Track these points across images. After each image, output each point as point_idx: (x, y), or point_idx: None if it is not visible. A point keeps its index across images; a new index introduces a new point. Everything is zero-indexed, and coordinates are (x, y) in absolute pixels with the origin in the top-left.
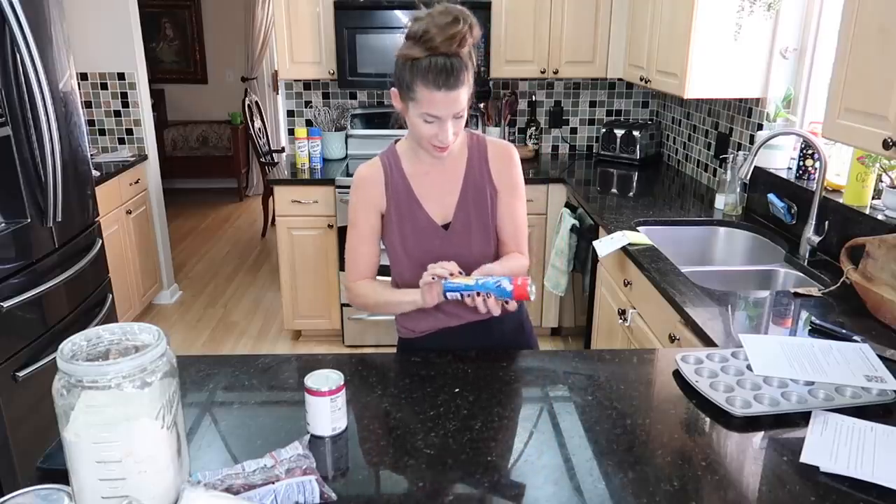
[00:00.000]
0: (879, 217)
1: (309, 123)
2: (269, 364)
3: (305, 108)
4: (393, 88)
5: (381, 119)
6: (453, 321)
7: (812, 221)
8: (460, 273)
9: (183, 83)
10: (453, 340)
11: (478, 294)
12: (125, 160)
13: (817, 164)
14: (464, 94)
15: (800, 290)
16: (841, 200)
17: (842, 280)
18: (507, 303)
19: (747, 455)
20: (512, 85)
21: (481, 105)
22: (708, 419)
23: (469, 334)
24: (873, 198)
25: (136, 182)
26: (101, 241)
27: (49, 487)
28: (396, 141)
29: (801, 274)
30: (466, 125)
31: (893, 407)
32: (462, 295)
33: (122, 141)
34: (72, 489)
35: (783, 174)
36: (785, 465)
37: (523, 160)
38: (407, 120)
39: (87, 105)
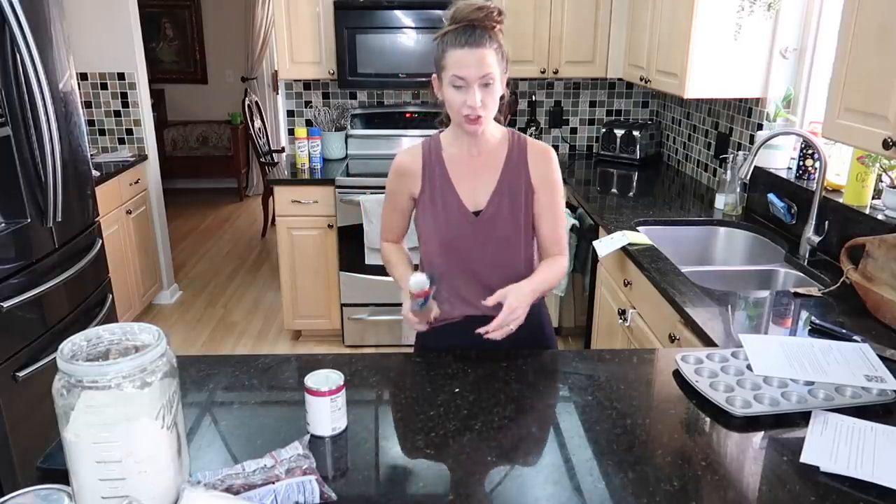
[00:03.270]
0: (879, 217)
1: (309, 123)
2: (269, 364)
3: (305, 108)
4: (433, 76)
5: (381, 119)
6: (469, 310)
7: (812, 221)
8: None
9: (183, 83)
10: (469, 335)
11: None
12: (125, 160)
13: (817, 164)
14: (490, 58)
15: (800, 290)
16: (841, 200)
17: (842, 280)
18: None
19: (747, 455)
20: (512, 85)
21: None
22: (708, 419)
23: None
24: (873, 198)
25: (136, 182)
26: (101, 241)
27: (49, 487)
28: (441, 131)
29: (801, 274)
30: None
31: (893, 407)
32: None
33: (122, 141)
34: (72, 489)
35: (783, 174)
36: (785, 465)
37: None
38: (444, 101)
39: (87, 105)
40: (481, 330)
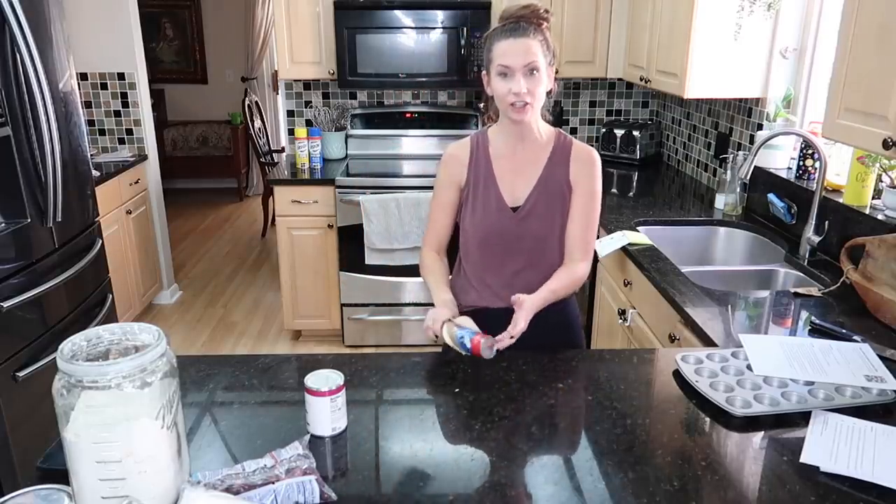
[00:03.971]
0: (879, 217)
1: (309, 123)
2: (269, 364)
3: (305, 108)
4: (483, 72)
5: (381, 119)
6: (495, 302)
7: (812, 221)
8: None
9: (183, 83)
10: (492, 323)
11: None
12: (125, 160)
13: (817, 164)
14: (535, 48)
15: (800, 290)
16: (841, 200)
17: (842, 280)
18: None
19: (747, 455)
20: None
21: (481, 105)
22: (708, 419)
23: (507, 321)
24: (873, 198)
25: (136, 182)
26: (101, 241)
27: (49, 487)
28: (489, 126)
29: (801, 274)
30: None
31: (893, 407)
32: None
33: (122, 141)
34: (72, 489)
35: (783, 174)
36: (785, 465)
37: None
38: (492, 93)
39: (87, 105)
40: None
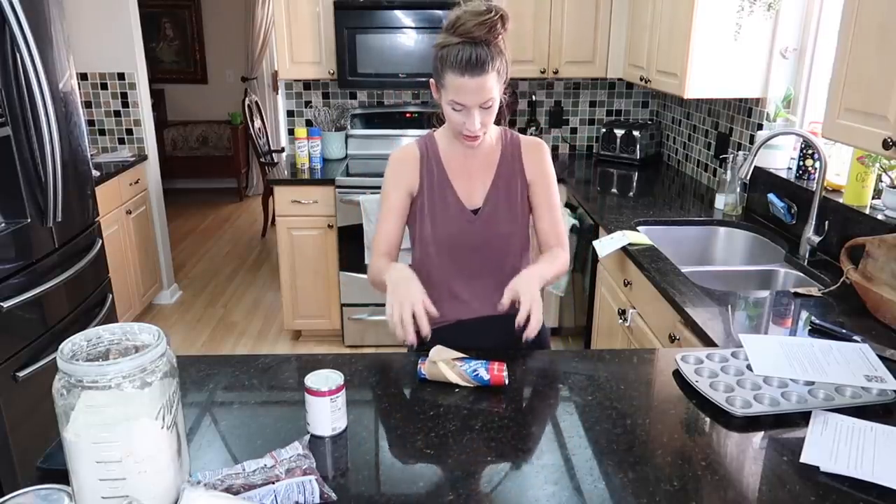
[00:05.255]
0: (879, 217)
1: (309, 123)
2: (269, 364)
3: (305, 108)
4: (431, 79)
5: (381, 119)
6: (463, 313)
7: (812, 221)
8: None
9: (183, 83)
10: (467, 335)
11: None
12: (125, 160)
13: (817, 164)
14: (491, 82)
15: (800, 290)
16: (841, 200)
17: (842, 280)
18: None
19: (747, 455)
20: (512, 85)
21: None
22: (708, 419)
23: (482, 330)
24: (873, 198)
25: (136, 182)
26: (101, 241)
27: (49, 487)
28: (434, 130)
29: (801, 274)
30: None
31: (893, 407)
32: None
33: (122, 141)
34: (72, 489)
35: (783, 174)
36: (785, 465)
37: None
38: (442, 110)
39: (87, 105)
40: (520, 333)
